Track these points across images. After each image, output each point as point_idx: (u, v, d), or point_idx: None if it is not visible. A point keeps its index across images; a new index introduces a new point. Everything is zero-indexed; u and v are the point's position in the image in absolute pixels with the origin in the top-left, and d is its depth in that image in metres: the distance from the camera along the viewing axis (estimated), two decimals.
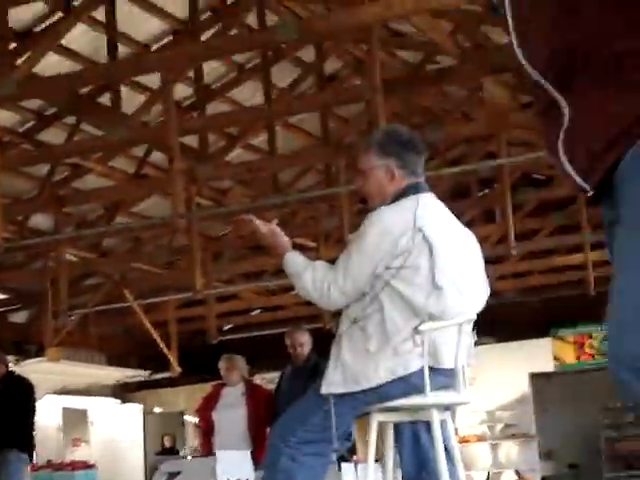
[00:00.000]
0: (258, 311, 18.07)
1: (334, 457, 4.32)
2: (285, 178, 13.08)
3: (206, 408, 9.32)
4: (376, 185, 4.22)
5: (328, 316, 14.22)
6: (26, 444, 9.21)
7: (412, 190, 4.17)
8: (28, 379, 9.52)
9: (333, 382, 4.07)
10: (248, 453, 6.82)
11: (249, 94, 11.87)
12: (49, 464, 8.51)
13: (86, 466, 6.22)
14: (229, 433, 8.93)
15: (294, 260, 4.26)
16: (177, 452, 16.70)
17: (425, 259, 4.03)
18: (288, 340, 8.95)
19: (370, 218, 4.11)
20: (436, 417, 4.06)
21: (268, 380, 14.49)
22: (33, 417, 9.42)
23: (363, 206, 4.35)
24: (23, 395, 9.34)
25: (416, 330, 4.01)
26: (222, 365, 9.37)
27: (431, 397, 4.02)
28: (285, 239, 4.35)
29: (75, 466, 6.22)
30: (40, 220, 13.37)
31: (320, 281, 4.13)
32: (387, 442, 4.40)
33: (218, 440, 9.00)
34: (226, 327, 17.67)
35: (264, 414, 8.96)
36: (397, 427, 4.40)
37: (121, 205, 12.90)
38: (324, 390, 4.08)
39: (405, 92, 11.46)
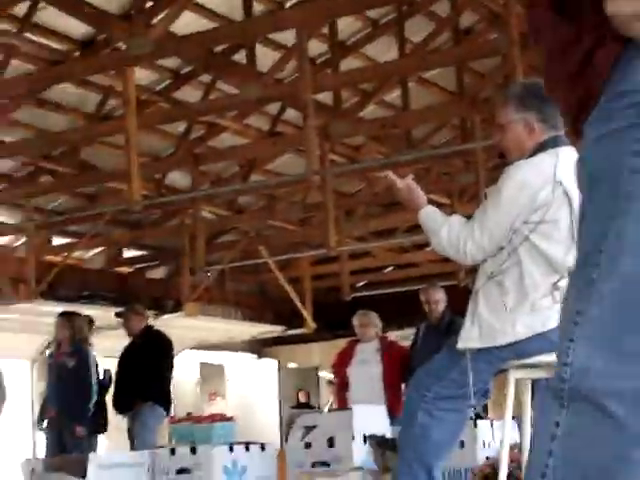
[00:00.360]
0: (391, 268, 18.07)
1: (470, 413, 4.29)
2: (419, 134, 12.99)
3: (341, 364, 9.40)
4: (514, 139, 4.16)
5: (462, 273, 14.13)
6: (162, 398, 9.39)
7: (551, 144, 4.09)
8: (167, 334, 9.69)
9: (470, 338, 4.05)
10: (384, 408, 6.84)
11: (383, 50, 11.80)
12: (188, 417, 8.68)
13: (225, 419, 6.34)
14: (363, 389, 8.99)
15: (430, 215, 4.24)
16: (312, 407, 16.88)
17: (565, 213, 3.97)
18: (423, 297, 8.94)
19: (508, 172, 4.06)
20: None
21: (401, 337, 14.48)
22: (171, 372, 9.58)
23: (501, 160, 4.29)
24: (161, 350, 9.51)
25: (555, 286, 3.96)
26: (356, 321, 9.41)
27: None
28: (421, 194, 4.33)
29: (214, 418, 6.35)
30: (177, 178, 13.59)
31: (456, 237, 4.10)
32: (524, 399, 4.36)
33: (352, 396, 9.08)
34: (359, 284, 17.72)
35: (399, 370, 8.99)
36: (534, 385, 4.35)
37: (256, 163, 13.01)
38: (460, 345, 4.07)
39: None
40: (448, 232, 4.11)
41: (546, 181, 3.96)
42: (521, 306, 3.98)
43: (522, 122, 4.13)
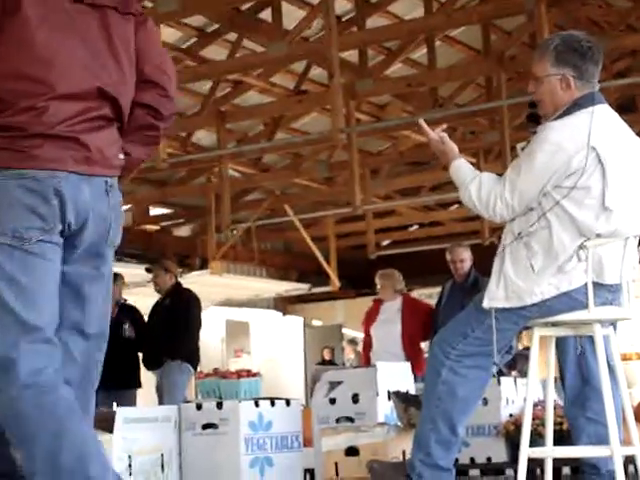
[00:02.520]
0: (416, 227, 18.09)
1: (494, 370, 4.32)
2: (445, 92, 12.95)
3: (367, 323, 9.47)
4: (550, 93, 4.11)
5: (487, 231, 14.13)
6: (190, 355, 9.46)
7: (587, 101, 4.04)
8: (194, 292, 9.74)
9: (495, 297, 4.07)
10: (408, 365, 6.89)
11: (409, 7, 11.75)
12: (215, 372, 8.77)
13: (251, 374, 6.42)
14: (385, 347, 9.05)
15: (462, 168, 4.24)
16: (336, 365, 16.98)
17: (597, 180, 3.96)
18: (449, 256, 8.95)
19: (543, 132, 4.02)
20: (599, 332, 4.02)
21: (426, 295, 14.54)
22: (198, 329, 9.64)
23: (531, 111, 4.23)
24: (190, 307, 9.54)
25: (580, 245, 3.97)
26: (377, 280, 9.45)
27: (594, 311, 3.98)
28: (453, 147, 4.34)
29: (240, 374, 6.43)
30: (203, 136, 13.62)
31: (486, 193, 4.09)
32: (549, 357, 4.39)
33: (375, 354, 9.14)
34: (384, 242, 17.76)
35: (421, 329, 9.03)
36: (562, 344, 4.37)
37: (281, 121, 13.01)
38: (486, 304, 4.09)
39: (568, 3, 11.17)
40: (478, 187, 4.11)
41: (580, 146, 3.93)
42: (548, 269, 3.97)
43: (559, 77, 4.08)
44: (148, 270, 9.93)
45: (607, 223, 3.97)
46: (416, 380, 7.03)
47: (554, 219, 3.98)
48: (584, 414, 4.39)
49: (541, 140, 4.00)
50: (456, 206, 17.16)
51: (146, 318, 9.74)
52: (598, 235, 3.95)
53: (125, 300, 9.82)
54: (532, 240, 4.01)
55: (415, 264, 14.01)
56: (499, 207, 4.06)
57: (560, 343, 4.34)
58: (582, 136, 3.93)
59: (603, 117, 4.05)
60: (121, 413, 5.52)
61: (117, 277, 9.78)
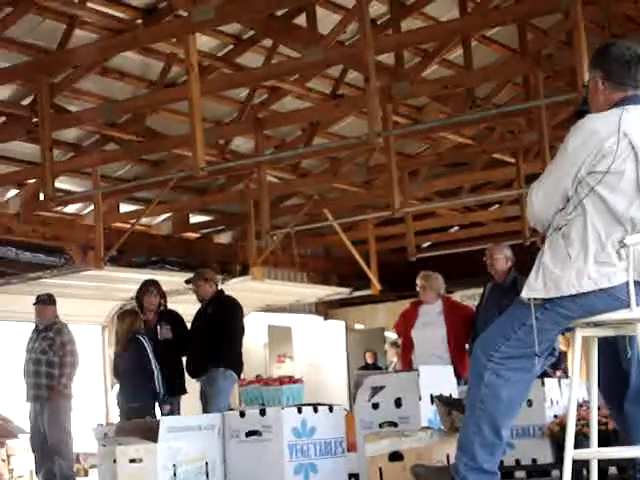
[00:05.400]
0: (456, 228, 18.03)
1: (538, 372, 4.30)
2: (482, 93, 12.90)
3: (405, 325, 9.42)
4: (590, 96, 4.26)
5: (528, 232, 14.06)
6: (234, 362, 9.48)
7: (624, 102, 4.14)
8: (236, 299, 9.77)
9: (534, 287, 4.10)
10: (451, 368, 6.87)
11: (444, 9, 11.72)
12: (257, 379, 8.79)
13: (293, 381, 6.42)
14: (429, 350, 9.01)
15: None
16: (379, 368, 16.95)
17: (630, 165, 4.02)
18: (488, 256, 8.92)
19: (577, 124, 4.13)
20: None
21: (467, 297, 14.50)
22: (242, 336, 9.66)
23: (581, 108, 4.38)
24: (233, 315, 9.58)
25: (621, 243, 3.98)
26: (419, 281, 9.41)
27: (637, 311, 3.96)
28: None
29: (282, 381, 6.42)
30: (240, 143, 13.66)
31: (529, 191, 4.22)
32: (592, 357, 4.36)
33: (417, 358, 9.11)
34: (424, 245, 17.72)
35: (463, 331, 9.00)
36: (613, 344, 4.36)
37: (319, 126, 13.01)
38: (524, 294, 4.11)
39: (605, 1, 11.09)
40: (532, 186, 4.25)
41: (613, 130, 4.01)
42: (585, 257, 4.01)
43: (593, 80, 4.23)
44: (188, 282, 9.96)
45: None
46: (460, 382, 7.01)
47: (589, 206, 4.04)
48: None
49: (575, 128, 4.11)
50: (496, 206, 17.09)
51: (189, 326, 9.78)
52: (633, 221, 3.98)
53: (165, 306, 9.90)
54: (570, 230, 4.07)
55: (456, 266, 13.96)
56: (529, 203, 4.22)
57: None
58: (613, 122, 4.03)
59: (636, 113, 4.12)
60: (165, 422, 5.55)
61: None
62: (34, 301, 10.43)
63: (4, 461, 15.34)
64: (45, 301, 10.38)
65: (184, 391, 9.77)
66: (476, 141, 13.70)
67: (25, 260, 13.33)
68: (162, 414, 9.30)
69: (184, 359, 9.66)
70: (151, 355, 9.43)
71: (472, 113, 11.27)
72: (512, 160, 13.25)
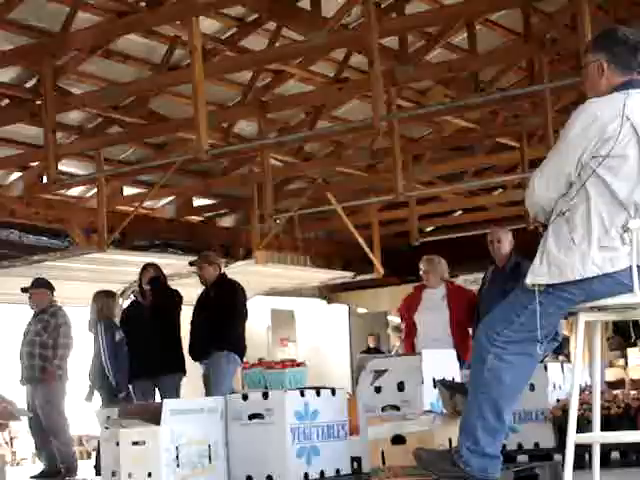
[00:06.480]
0: (459, 212, 18.01)
1: (541, 356, 4.30)
2: (486, 77, 12.87)
3: (408, 309, 9.42)
4: (589, 79, 4.25)
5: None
6: (237, 346, 9.48)
7: (626, 86, 4.13)
8: (239, 283, 9.77)
9: (538, 273, 4.10)
10: (454, 352, 6.87)
11: None
12: (260, 362, 8.78)
13: (296, 364, 6.43)
14: (430, 335, 9.01)
15: None
16: (381, 352, 16.97)
17: (633, 149, 4.02)
18: (494, 240, 8.91)
19: (579, 108, 4.13)
20: None
21: (470, 281, 14.49)
22: (244, 319, 9.67)
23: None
24: (236, 298, 9.58)
25: (625, 228, 3.98)
26: (422, 266, 9.40)
27: None
28: None
29: (285, 364, 6.43)
30: (244, 126, 13.64)
31: (531, 177, 4.22)
32: (595, 342, 4.37)
33: (420, 342, 9.11)
34: (428, 229, 17.71)
35: (466, 315, 9.00)
36: None
37: (322, 109, 12.99)
38: (529, 280, 4.11)
39: None
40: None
41: (615, 114, 4.01)
42: (588, 242, 4.01)
43: (596, 63, 4.20)
44: (192, 264, 9.98)
45: None
46: (463, 366, 7.01)
47: (592, 189, 4.04)
48: None
49: (576, 113, 4.11)
50: (500, 190, 17.06)
51: (192, 309, 9.79)
52: (636, 205, 3.98)
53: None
54: (573, 214, 4.07)
55: (459, 250, 13.96)
56: (530, 189, 4.22)
57: None
58: (616, 106, 4.03)
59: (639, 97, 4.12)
60: (168, 405, 5.55)
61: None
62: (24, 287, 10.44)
63: (7, 444, 15.39)
64: (36, 286, 10.39)
65: (180, 369, 9.76)
66: (480, 125, 13.67)
67: (28, 243, 13.34)
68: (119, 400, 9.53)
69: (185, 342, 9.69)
70: (104, 344, 9.90)
71: (476, 97, 11.23)
72: (516, 144, 13.22)
